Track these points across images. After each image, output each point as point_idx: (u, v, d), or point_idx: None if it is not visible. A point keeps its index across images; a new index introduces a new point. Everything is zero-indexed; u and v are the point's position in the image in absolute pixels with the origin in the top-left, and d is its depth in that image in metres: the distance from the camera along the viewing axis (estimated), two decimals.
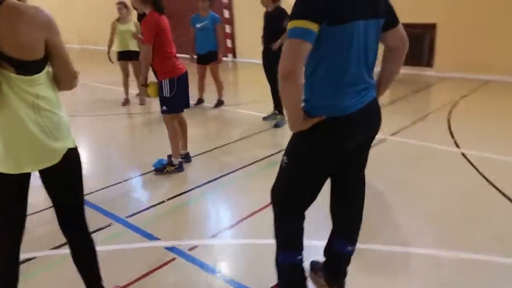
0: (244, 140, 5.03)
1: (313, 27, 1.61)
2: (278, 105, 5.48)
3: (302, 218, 2.07)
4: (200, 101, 6.69)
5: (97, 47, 14.89)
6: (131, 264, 2.57)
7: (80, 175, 1.96)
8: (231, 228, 2.99)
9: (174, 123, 3.88)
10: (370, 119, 1.93)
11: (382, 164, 4.13)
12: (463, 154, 4.28)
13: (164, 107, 3.75)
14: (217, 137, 5.32)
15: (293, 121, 1.79)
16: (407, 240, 2.82)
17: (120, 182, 3.86)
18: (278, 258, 2.11)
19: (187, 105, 3.96)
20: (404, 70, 9.66)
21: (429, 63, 9.73)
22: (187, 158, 4.21)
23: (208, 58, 6.27)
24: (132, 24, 6.57)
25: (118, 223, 3.06)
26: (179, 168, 3.97)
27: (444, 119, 5.57)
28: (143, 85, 3.70)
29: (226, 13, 12.56)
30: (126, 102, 6.90)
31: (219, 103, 6.66)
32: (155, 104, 6.89)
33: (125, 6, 6.55)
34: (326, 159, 1.89)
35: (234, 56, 13.07)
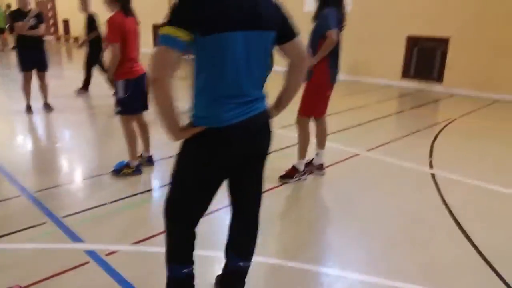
0: None
1: (182, 35, 1.58)
2: None
3: (189, 230, 2.01)
4: None
5: None
6: (44, 264, 2.57)
7: None
8: (157, 236, 2.96)
9: (131, 125, 3.89)
10: (254, 133, 1.85)
11: (341, 179, 4.02)
12: (432, 175, 4.11)
13: (119, 108, 3.77)
14: None
15: (167, 129, 1.76)
16: (332, 259, 2.71)
17: (73, 181, 3.92)
18: (166, 271, 2.07)
19: (145, 107, 3.97)
20: (413, 84, 9.54)
21: (439, 78, 9.43)
22: (149, 161, 4.22)
23: None
24: None
25: (52, 222, 3.08)
26: (137, 171, 3.98)
27: (431, 137, 5.37)
28: (111, 81, 3.73)
29: None
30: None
31: None
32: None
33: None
34: (207, 170, 1.84)
35: None
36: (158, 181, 3.98)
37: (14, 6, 6.62)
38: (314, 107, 3.80)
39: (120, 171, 3.94)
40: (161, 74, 1.61)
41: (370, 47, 10.13)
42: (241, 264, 2.14)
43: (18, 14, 5.96)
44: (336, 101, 7.84)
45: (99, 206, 3.37)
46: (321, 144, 4.08)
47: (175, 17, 1.61)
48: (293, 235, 3.02)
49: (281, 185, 3.83)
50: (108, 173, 3.98)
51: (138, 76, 3.75)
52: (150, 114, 3.80)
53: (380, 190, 3.78)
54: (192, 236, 2.04)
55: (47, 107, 6.54)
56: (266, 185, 3.66)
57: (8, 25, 15.20)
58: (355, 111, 7.05)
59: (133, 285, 2.38)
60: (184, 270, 2.04)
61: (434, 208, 3.42)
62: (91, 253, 2.69)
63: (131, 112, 3.85)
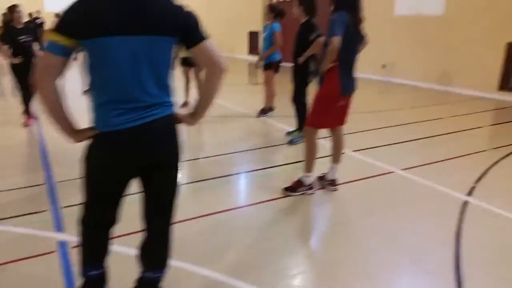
0: (244, 153, 4.96)
1: (61, 40, 1.62)
2: (300, 122, 5.25)
3: (97, 230, 2.03)
4: (270, 109, 6.79)
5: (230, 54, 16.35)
6: (17, 248, 2.79)
7: None
8: (131, 235, 3.02)
9: None
10: (147, 140, 1.79)
11: (351, 198, 3.69)
12: (464, 203, 3.52)
13: None
14: (220, 146, 5.31)
15: (59, 130, 1.82)
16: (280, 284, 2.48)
17: None
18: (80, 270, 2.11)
19: None
20: (506, 97, 8.26)
21: None
22: None
23: (265, 66, 6.36)
24: None
25: (52, 211, 3.35)
26: None
27: (492, 161, 4.60)
28: None
29: None
30: (185, 104, 7.35)
31: (263, 111, 6.68)
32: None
33: None
34: (102, 173, 1.85)
35: None
36: None
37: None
38: (321, 118, 3.53)
39: None
40: (43, 78, 1.67)
41: (462, 55, 9.08)
42: (150, 274, 2.08)
43: None
44: (408, 111, 7.31)
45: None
46: (335, 158, 3.78)
47: (58, 24, 1.64)
48: (251, 251, 2.83)
49: (282, 197, 3.64)
50: None
51: None
52: None
53: (387, 216, 3.35)
54: (99, 239, 2.04)
55: None
56: (267, 195, 3.63)
57: None
58: (424, 123, 6.38)
59: (74, 280, 2.47)
60: (93, 272, 2.06)
61: (440, 243, 2.92)
62: (62, 244, 2.86)
63: None
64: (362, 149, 4.93)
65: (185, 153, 4.55)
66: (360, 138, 5.48)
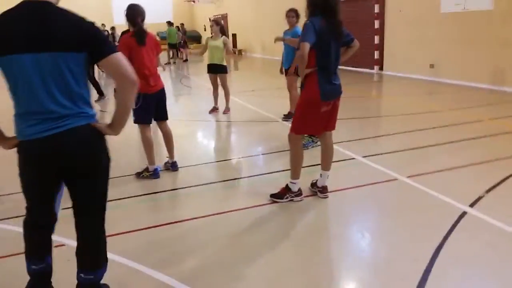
0: (256, 157, 4.97)
1: None
2: None
3: (33, 229, 2.17)
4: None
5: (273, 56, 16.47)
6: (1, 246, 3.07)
7: None
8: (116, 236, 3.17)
9: (145, 133, 4.20)
10: (58, 149, 1.91)
11: (341, 206, 3.58)
12: (462, 214, 3.26)
13: (133, 117, 4.15)
14: (238, 150, 5.34)
15: None
16: None
17: None
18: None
19: (160, 118, 4.31)
20: None
21: None
22: (173, 166, 4.49)
23: (287, 71, 6.33)
24: (221, 40, 7.08)
25: None
26: (154, 175, 4.29)
27: (509, 172, 4.16)
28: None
29: (376, 24, 11.95)
30: (213, 110, 7.52)
31: (288, 116, 6.64)
32: (238, 114, 7.36)
33: (217, 23, 7.15)
34: (25, 177, 2.03)
35: (381, 68, 12.31)
36: (168, 185, 4.19)
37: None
38: (303, 124, 3.45)
39: (140, 173, 4.32)
40: None
41: None
42: (82, 275, 2.18)
43: None
44: (446, 113, 6.82)
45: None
46: (324, 164, 3.68)
47: None
48: (210, 259, 2.84)
49: (267, 204, 3.61)
50: (131, 175, 4.40)
51: (150, 92, 4.08)
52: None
53: (367, 226, 3.20)
54: (37, 237, 2.19)
55: None
56: (254, 201, 3.61)
57: (181, 41, 17.75)
58: (458, 127, 5.93)
59: None
60: (33, 267, 2.21)
61: (414, 256, 2.72)
62: None
63: (139, 122, 4.19)
64: (373, 155, 4.72)
65: (190, 157, 4.80)
66: (376, 143, 5.27)
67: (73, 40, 1.82)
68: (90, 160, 2.00)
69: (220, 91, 7.37)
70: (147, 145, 4.25)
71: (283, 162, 4.41)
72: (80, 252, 2.19)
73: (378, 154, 4.77)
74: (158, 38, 4.56)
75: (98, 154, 2.03)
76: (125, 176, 4.36)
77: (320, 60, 3.22)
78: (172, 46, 17.47)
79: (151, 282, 2.57)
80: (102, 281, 2.30)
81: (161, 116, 4.32)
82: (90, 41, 1.86)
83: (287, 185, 3.63)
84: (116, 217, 3.50)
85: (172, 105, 9.20)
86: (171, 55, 17.82)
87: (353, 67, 12.71)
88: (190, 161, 4.85)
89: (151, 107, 4.15)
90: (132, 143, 5.26)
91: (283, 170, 4.24)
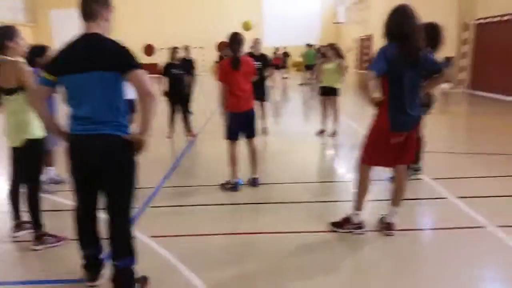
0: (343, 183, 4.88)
1: (46, 75, 2.44)
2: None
3: (79, 216, 2.66)
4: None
5: None
6: None
7: (30, 157, 3.26)
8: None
9: (231, 149, 4.62)
10: (89, 146, 2.41)
11: (401, 250, 3.31)
12: None
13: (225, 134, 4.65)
14: (327, 174, 5.27)
15: (50, 131, 2.74)
16: None
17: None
18: None
19: (247, 136, 4.67)
20: None
21: None
22: (253, 183, 4.73)
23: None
24: (335, 63, 7.15)
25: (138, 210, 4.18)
26: (234, 188, 4.60)
27: None
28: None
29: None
30: (321, 132, 7.57)
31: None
32: (347, 138, 7.29)
33: (332, 48, 7.26)
34: (71, 165, 2.55)
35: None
36: (243, 199, 4.42)
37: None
38: (370, 154, 3.33)
39: (223, 185, 4.67)
40: (34, 99, 2.54)
41: None
42: (115, 263, 2.57)
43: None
44: None
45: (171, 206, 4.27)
46: (394, 200, 3.47)
47: (46, 66, 2.49)
48: (245, 274, 2.95)
49: (325, 231, 3.56)
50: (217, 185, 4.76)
51: (235, 112, 4.49)
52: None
53: (417, 277, 2.91)
54: (83, 225, 2.67)
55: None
56: (313, 227, 3.58)
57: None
58: None
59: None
60: (85, 252, 2.70)
61: None
62: None
63: (229, 138, 4.61)
64: (469, 197, 4.21)
65: (279, 175, 4.93)
66: (484, 184, 4.66)
67: (105, 62, 2.31)
68: (113, 164, 2.43)
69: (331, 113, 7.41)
70: (232, 159, 4.60)
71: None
72: (109, 243, 2.59)
73: (475, 197, 4.24)
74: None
75: (121, 159, 2.45)
76: (211, 185, 4.77)
77: (392, 89, 3.11)
78: (308, 67, 17.90)
79: (184, 282, 2.82)
80: (143, 273, 2.71)
81: (248, 134, 4.66)
82: (122, 60, 2.32)
83: (348, 215, 3.53)
84: (179, 221, 3.92)
85: (284, 123, 9.62)
86: (308, 77, 18.25)
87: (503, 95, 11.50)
88: (277, 178, 5.03)
89: (238, 125, 4.53)
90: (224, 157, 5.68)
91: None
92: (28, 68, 3.21)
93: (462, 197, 4.20)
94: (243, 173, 4.79)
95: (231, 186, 4.62)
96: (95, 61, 2.31)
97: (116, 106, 2.40)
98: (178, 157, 6.35)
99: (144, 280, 2.72)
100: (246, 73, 4.52)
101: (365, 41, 24.69)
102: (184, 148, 6.90)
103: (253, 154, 4.74)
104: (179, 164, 5.92)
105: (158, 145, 6.92)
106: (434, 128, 7.61)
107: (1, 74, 3.14)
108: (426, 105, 4.61)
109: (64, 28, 21.66)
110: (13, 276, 3.06)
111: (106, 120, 2.38)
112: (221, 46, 22.08)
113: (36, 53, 4.17)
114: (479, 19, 13.23)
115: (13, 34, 3.21)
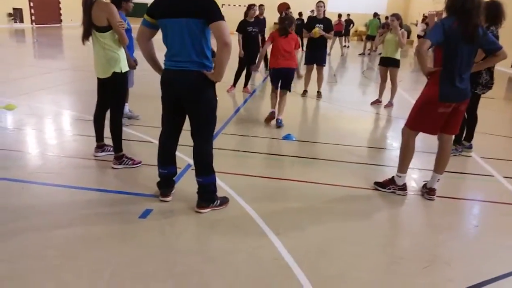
0: (390, 151, 5.07)
1: (147, 18, 2.88)
2: (459, 135, 4.91)
3: (163, 138, 3.14)
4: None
5: None
6: None
7: (116, 88, 3.74)
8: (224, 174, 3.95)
9: (272, 93, 6.00)
10: (176, 79, 2.86)
11: (437, 214, 3.54)
12: None
13: None
14: (377, 140, 5.47)
15: (154, 69, 3.12)
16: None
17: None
18: None
19: (280, 87, 5.86)
20: None
21: None
22: (278, 123, 5.69)
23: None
24: (395, 35, 7.10)
25: None
26: (271, 115, 5.65)
27: None
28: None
29: None
30: (376, 102, 7.65)
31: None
32: (401, 110, 7.36)
33: (397, 18, 7.19)
34: (162, 93, 3.02)
35: None
36: (289, 151, 4.76)
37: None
38: (418, 121, 3.52)
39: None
40: (139, 38, 2.95)
41: None
42: (198, 179, 3.07)
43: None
44: None
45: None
46: (436, 167, 3.66)
47: (147, 10, 2.88)
48: (292, 211, 3.28)
49: (368, 188, 3.83)
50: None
51: (278, 67, 5.64)
52: None
53: (444, 241, 3.13)
54: (165, 147, 3.14)
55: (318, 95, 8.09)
56: (357, 183, 3.86)
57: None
58: None
59: None
60: (163, 170, 3.20)
61: None
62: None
63: (272, 83, 5.92)
64: None
65: (329, 136, 5.18)
66: None
67: (194, 10, 2.68)
68: (194, 95, 2.85)
69: (388, 84, 7.44)
70: (272, 98, 4.97)
71: (419, 162, 4.40)
72: (194, 161, 3.07)
73: None
74: None
75: (200, 92, 2.86)
76: (263, 137, 5.14)
77: (446, 61, 3.25)
78: (369, 38, 17.51)
79: (239, 209, 3.24)
80: (222, 194, 3.25)
81: (283, 86, 5.80)
82: (205, 10, 2.68)
83: (393, 177, 3.77)
84: (235, 161, 4.32)
85: (339, 90, 9.67)
86: (367, 47, 17.90)
87: None
88: (326, 138, 5.30)
89: (277, 78, 5.79)
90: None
91: (413, 168, 4.27)
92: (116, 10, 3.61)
93: (509, 177, 4.30)
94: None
95: (270, 115, 5.83)
96: (186, 9, 2.70)
97: (201, 49, 2.80)
98: (236, 109, 6.74)
99: (224, 198, 3.24)
100: (291, 40, 5.59)
101: (434, 17, 23.53)
102: (241, 103, 7.29)
103: (281, 101, 5.78)
104: (236, 115, 6.31)
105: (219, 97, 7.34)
106: (493, 112, 7.51)
107: (94, 13, 3.56)
108: (485, 84, 4.65)
109: None
110: (94, 184, 3.61)
111: (192, 60, 2.79)
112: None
113: None
114: None
115: None
